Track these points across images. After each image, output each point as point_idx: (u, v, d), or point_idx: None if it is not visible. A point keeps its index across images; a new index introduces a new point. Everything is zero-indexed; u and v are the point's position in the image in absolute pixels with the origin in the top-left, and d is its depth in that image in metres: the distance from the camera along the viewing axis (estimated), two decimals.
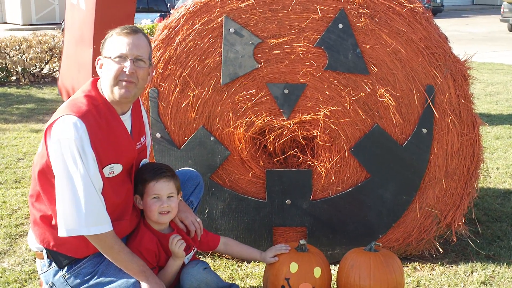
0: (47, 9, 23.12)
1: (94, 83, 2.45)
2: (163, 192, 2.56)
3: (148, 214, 2.58)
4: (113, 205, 2.40)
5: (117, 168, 2.41)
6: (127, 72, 2.35)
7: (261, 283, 3.08)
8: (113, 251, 2.37)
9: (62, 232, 2.30)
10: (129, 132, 2.50)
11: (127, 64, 2.35)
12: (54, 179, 2.31)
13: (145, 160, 2.70)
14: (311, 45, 3.15)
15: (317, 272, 2.74)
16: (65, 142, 2.24)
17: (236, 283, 2.99)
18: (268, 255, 2.83)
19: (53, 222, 2.37)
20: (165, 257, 2.60)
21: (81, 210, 2.26)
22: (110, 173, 2.39)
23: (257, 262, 3.32)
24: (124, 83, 2.36)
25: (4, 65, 9.49)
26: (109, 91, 2.39)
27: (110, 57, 2.36)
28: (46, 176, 2.35)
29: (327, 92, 3.20)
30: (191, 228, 2.72)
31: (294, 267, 2.73)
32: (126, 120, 2.49)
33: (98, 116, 2.34)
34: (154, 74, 3.22)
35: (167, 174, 2.58)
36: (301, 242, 2.83)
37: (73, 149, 2.24)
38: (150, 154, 3.26)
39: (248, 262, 3.35)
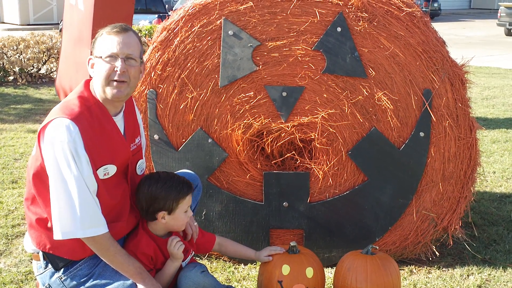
0: (45, 9, 23.07)
1: (87, 84, 2.44)
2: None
3: (178, 226, 2.59)
4: (109, 207, 2.39)
5: (111, 169, 2.40)
6: (118, 72, 2.33)
7: None
8: (109, 253, 2.36)
9: (57, 235, 2.29)
10: (122, 133, 2.49)
11: (118, 64, 2.33)
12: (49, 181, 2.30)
13: (141, 161, 2.68)
14: (309, 48, 3.16)
15: (310, 272, 2.74)
16: (58, 145, 2.23)
17: (233, 285, 2.99)
18: (263, 253, 2.83)
19: (49, 225, 2.36)
20: (162, 261, 2.58)
21: (76, 213, 2.25)
22: (105, 174, 2.37)
23: (254, 264, 3.32)
24: (116, 82, 2.34)
25: (1, 65, 9.47)
26: (101, 91, 2.37)
27: (101, 57, 2.35)
28: (41, 178, 2.33)
29: (325, 95, 3.20)
30: (188, 231, 2.71)
31: (286, 269, 2.73)
32: (119, 121, 2.48)
33: (90, 118, 2.33)
34: (150, 73, 3.21)
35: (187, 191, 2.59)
36: (292, 244, 2.83)
37: (66, 152, 2.23)
38: (148, 155, 3.26)
39: (245, 264, 3.35)
